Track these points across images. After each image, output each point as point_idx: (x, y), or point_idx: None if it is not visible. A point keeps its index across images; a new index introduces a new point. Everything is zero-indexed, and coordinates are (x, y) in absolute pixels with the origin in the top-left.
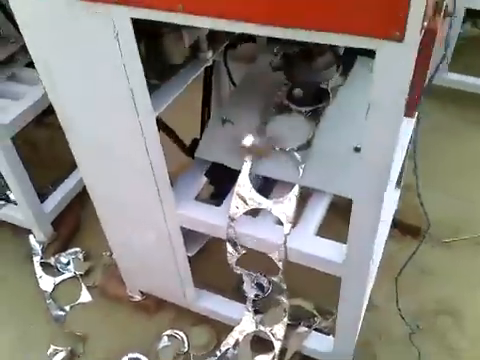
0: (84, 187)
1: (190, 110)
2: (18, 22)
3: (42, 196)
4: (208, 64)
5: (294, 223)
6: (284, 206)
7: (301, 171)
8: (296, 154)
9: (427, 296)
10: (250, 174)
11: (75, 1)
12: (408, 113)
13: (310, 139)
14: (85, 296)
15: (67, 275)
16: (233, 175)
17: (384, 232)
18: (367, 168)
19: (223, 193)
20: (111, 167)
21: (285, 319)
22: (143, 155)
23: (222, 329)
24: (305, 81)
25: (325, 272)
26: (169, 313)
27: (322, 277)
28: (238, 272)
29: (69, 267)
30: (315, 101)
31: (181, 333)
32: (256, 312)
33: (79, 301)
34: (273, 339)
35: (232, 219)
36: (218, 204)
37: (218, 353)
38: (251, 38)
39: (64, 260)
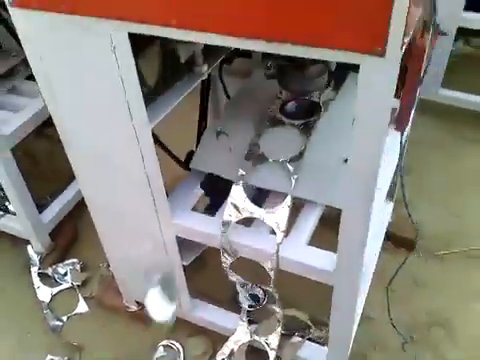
0: (82, 199)
1: (188, 123)
2: (20, 37)
3: (40, 207)
4: (203, 78)
5: (286, 233)
6: (277, 215)
7: (293, 182)
8: (289, 165)
9: (420, 308)
10: (244, 184)
11: (74, 17)
12: (398, 127)
13: (302, 151)
14: (82, 306)
15: (64, 286)
16: (228, 186)
17: (377, 244)
18: (354, 178)
19: (218, 204)
20: (108, 178)
21: (279, 329)
22: (139, 166)
23: (218, 339)
24: (298, 94)
25: (319, 282)
26: (165, 324)
27: (317, 289)
28: (233, 279)
29: (66, 278)
30: (307, 115)
31: (177, 343)
32: (251, 322)
33: (76, 311)
34: (268, 349)
35: (225, 226)
36: (213, 215)
37: None
38: (246, 53)
39: (61, 271)
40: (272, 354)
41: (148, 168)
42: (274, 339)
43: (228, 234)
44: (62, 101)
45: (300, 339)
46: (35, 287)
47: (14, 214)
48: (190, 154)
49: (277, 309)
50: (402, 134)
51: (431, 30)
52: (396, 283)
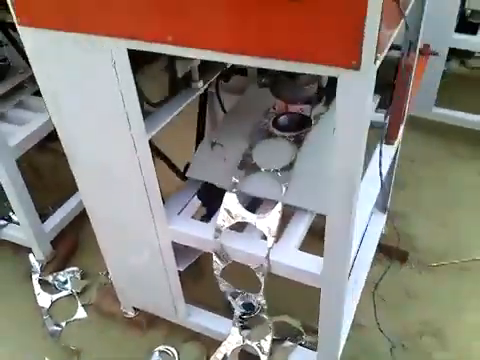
0: (83, 210)
1: (187, 136)
2: (27, 53)
3: (43, 217)
4: (199, 93)
5: (277, 238)
6: (268, 221)
7: (284, 190)
8: (279, 174)
9: (412, 318)
10: (237, 192)
11: (77, 34)
12: (388, 140)
13: (292, 161)
14: (80, 313)
15: (64, 293)
16: (222, 196)
17: (369, 255)
18: (336, 185)
19: (213, 213)
20: (108, 186)
21: (271, 334)
22: (137, 174)
23: (212, 345)
24: (289, 102)
25: (311, 291)
26: (161, 330)
27: (310, 298)
28: (223, 288)
29: (66, 285)
30: (298, 128)
31: (172, 349)
32: (243, 328)
33: (75, 317)
34: (260, 353)
35: (218, 231)
36: (208, 222)
37: None
38: (242, 71)
39: (62, 278)
40: (264, 358)
41: (145, 176)
42: (266, 344)
43: (221, 239)
44: (66, 113)
45: (291, 344)
46: (36, 293)
47: (17, 223)
48: (188, 165)
49: (265, 316)
50: (395, 149)
51: (417, 49)
52: (388, 294)
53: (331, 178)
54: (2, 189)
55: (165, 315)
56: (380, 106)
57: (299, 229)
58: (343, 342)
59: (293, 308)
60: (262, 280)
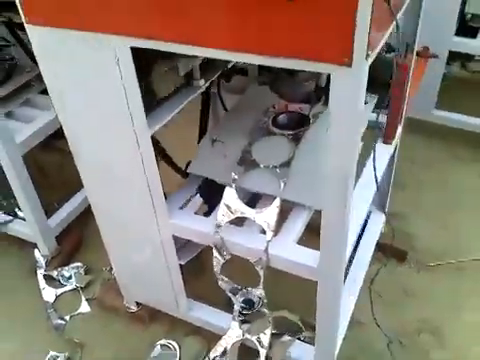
0: (87, 207)
1: (190, 135)
2: (34, 51)
3: (48, 213)
4: (200, 91)
5: (276, 233)
6: (266, 215)
7: (282, 185)
8: (278, 170)
9: (410, 316)
10: (236, 187)
11: (82, 32)
12: (386, 140)
13: (291, 158)
14: (84, 307)
15: (68, 287)
16: (222, 191)
17: (367, 253)
18: (330, 180)
19: (213, 209)
20: (112, 181)
21: (270, 329)
22: (139, 169)
23: (213, 339)
24: (288, 98)
25: (312, 288)
26: (163, 324)
27: (310, 294)
28: (223, 286)
29: (71, 280)
30: (297, 126)
31: (174, 343)
32: (243, 322)
33: (78, 311)
34: (259, 347)
35: (218, 226)
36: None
37: None
38: (243, 71)
39: (66, 274)
40: (263, 352)
41: (148, 171)
42: (265, 338)
43: (221, 233)
44: (71, 109)
45: (290, 338)
46: (40, 288)
47: (23, 219)
48: (189, 163)
49: (266, 311)
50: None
51: (415, 51)
52: (387, 292)
53: (326, 174)
54: (9, 186)
55: (167, 309)
56: (377, 106)
57: (297, 224)
58: (341, 337)
59: (292, 305)
60: (261, 274)
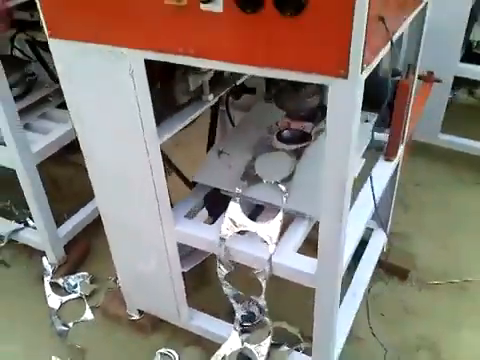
0: (96, 218)
1: (199, 153)
2: (55, 63)
3: (57, 223)
4: (209, 105)
5: (277, 242)
6: (269, 229)
7: (284, 199)
8: (280, 186)
9: (409, 332)
10: (240, 201)
11: (99, 46)
12: (387, 157)
13: (292, 173)
14: (88, 315)
15: (73, 295)
16: (226, 202)
17: (368, 269)
18: (327, 187)
19: (217, 218)
20: (122, 189)
21: (269, 339)
22: (148, 177)
23: (213, 351)
24: (292, 113)
25: (308, 298)
26: (164, 333)
27: (310, 310)
28: (227, 291)
29: (76, 289)
30: (300, 141)
31: (174, 352)
32: (243, 331)
33: (82, 319)
34: (257, 356)
35: (222, 239)
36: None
37: None
38: (251, 89)
39: (72, 282)
40: None
41: (156, 179)
42: (264, 348)
43: (225, 245)
44: (86, 118)
45: (288, 349)
46: (46, 295)
47: (34, 228)
48: None
49: (268, 320)
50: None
51: (417, 72)
52: (387, 309)
53: (324, 181)
54: (22, 196)
55: (168, 318)
56: (380, 125)
57: (297, 234)
58: (338, 348)
59: (291, 319)
60: (264, 284)
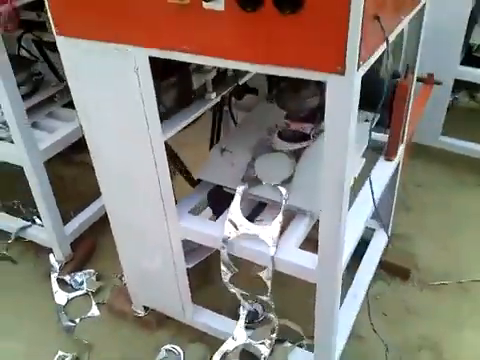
0: (102, 216)
1: (203, 153)
2: (62, 60)
3: (64, 221)
4: (212, 104)
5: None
6: (270, 232)
7: (284, 203)
8: (280, 188)
9: (411, 332)
10: (243, 199)
11: (105, 43)
12: (388, 157)
13: (291, 175)
14: (94, 311)
15: (80, 292)
16: (230, 200)
17: (369, 268)
18: (327, 183)
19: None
20: (127, 186)
21: (274, 335)
22: (153, 173)
23: (217, 346)
24: (293, 113)
25: (311, 297)
26: (169, 330)
27: (312, 311)
28: (233, 290)
29: (82, 285)
30: (299, 142)
31: (178, 348)
32: (247, 328)
33: (88, 315)
34: (260, 352)
35: (225, 242)
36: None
37: None
38: (253, 90)
39: (78, 279)
40: (265, 355)
41: (160, 175)
42: (267, 343)
43: (227, 249)
44: (93, 116)
45: (291, 345)
46: (53, 291)
47: (41, 225)
48: None
49: (273, 316)
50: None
51: (415, 72)
52: (389, 309)
53: (323, 179)
54: (30, 197)
55: (173, 314)
56: (381, 125)
57: (299, 230)
58: (340, 345)
59: (294, 317)
60: (268, 284)
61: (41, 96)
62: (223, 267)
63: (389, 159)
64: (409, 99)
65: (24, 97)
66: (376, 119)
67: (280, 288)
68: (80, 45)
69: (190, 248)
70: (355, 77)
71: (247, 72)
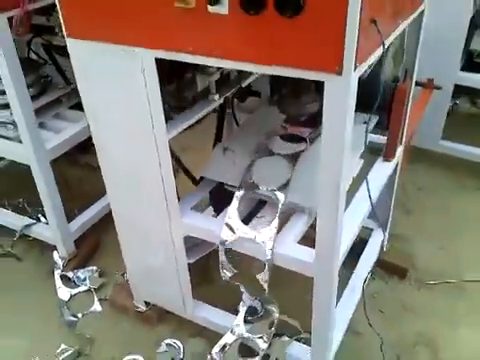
0: (106, 215)
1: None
2: (72, 62)
3: (68, 219)
4: (215, 105)
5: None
6: (266, 235)
7: (280, 206)
8: (277, 193)
9: (407, 329)
10: (242, 198)
11: (113, 45)
12: (387, 157)
13: (288, 180)
14: (96, 306)
15: (82, 288)
16: (231, 199)
17: (366, 265)
18: (323, 182)
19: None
20: (132, 184)
21: (272, 329)
22: (157, 171)
23: (216, 341)
24: (293, 118)
25: (309, 294)
26: (170, 325)
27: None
28: (236, 283)
29: (85, 282)
30: (297, 146)
31: (179, 342)
32: (246, 321)
33: (90, 310)
34: (259, 345)
35: (222, 243)
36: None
37: (208, 356)
38: (256, 93)
39: (81, 275)
40: (263, 348)
41: (164, 173)
42: (265, 337)
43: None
44: (101, 116)
45: (288, 338)
46: (57, 287)
47: (46, 223)
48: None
49: (274, 310)
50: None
51: (414, 76)
52: (387, 306)
53: (320, 177)
54: (35, 196)
55: (174, 309)
56: (381, 128)
57: (297, 226)
58: (337, 340)
59: (292, 313)
60: (265, 286)
61: (49, 97)
62: (222, 269)
63: (387, 160)
64: (407, 102)
65: (32, 98)
66: (373, 120)
67: (278, 285)
68: (89, 47)
69: (192, 244)
70: (352, 77)
71: (250, 75)
